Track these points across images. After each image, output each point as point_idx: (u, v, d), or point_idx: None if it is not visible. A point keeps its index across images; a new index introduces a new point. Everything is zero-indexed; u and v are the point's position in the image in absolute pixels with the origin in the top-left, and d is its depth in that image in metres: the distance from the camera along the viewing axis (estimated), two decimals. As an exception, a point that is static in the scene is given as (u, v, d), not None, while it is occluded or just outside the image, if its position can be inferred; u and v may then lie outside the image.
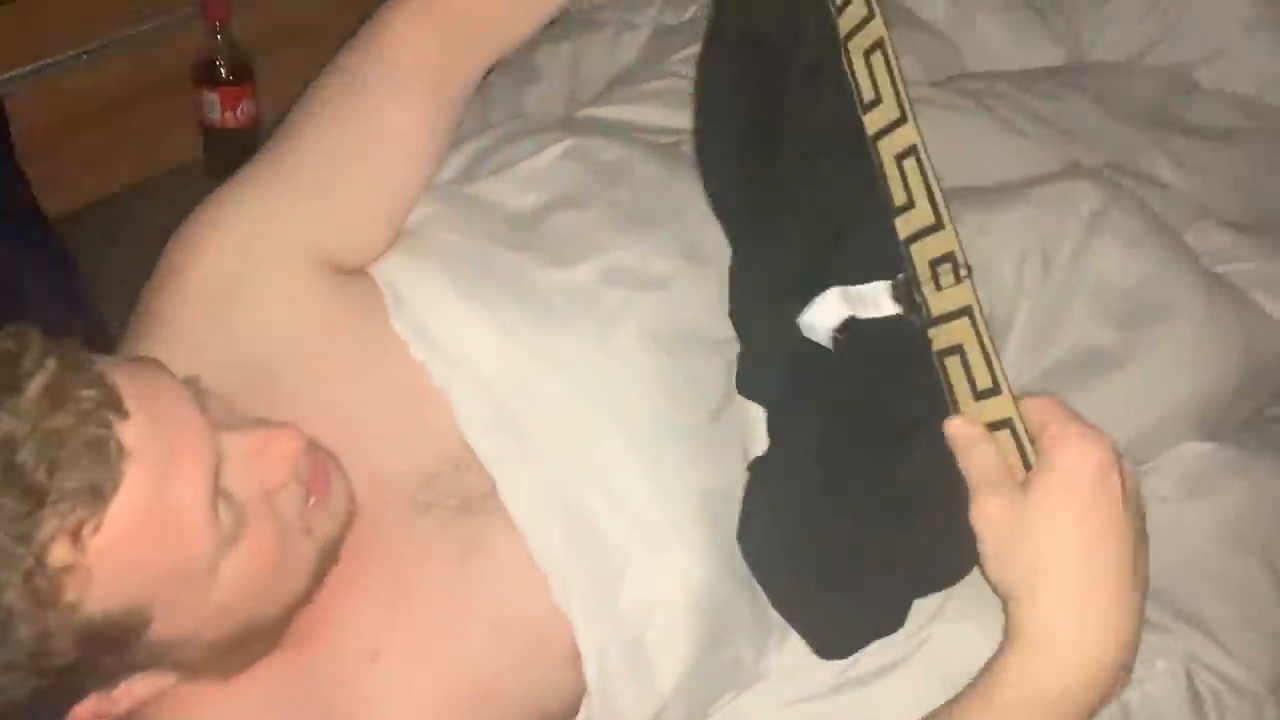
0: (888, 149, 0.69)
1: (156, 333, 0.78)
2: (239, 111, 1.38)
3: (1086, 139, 1.03)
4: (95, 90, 1.37)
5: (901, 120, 0.68)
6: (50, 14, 1.32)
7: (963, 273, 0.66)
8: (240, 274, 0.78)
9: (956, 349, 0.67)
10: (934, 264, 0.67)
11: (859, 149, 0.71)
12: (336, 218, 0.81)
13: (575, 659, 0.75)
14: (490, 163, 0.92)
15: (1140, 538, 0.64)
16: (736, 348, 0.81)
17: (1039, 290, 0.91)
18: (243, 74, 1.38)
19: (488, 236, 0.84)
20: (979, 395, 0.66)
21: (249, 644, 0.70)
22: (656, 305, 0.82)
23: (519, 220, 0.87)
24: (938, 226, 0.67)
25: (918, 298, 0.68)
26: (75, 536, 0.58)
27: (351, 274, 0.81)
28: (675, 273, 0.84)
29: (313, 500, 0.69)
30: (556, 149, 0.91)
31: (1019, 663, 0.64)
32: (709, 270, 0.84)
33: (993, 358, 0.65)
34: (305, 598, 0.71)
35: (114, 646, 0.62)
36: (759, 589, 0.78)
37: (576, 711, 0.76)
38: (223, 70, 1.37)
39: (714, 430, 0.80)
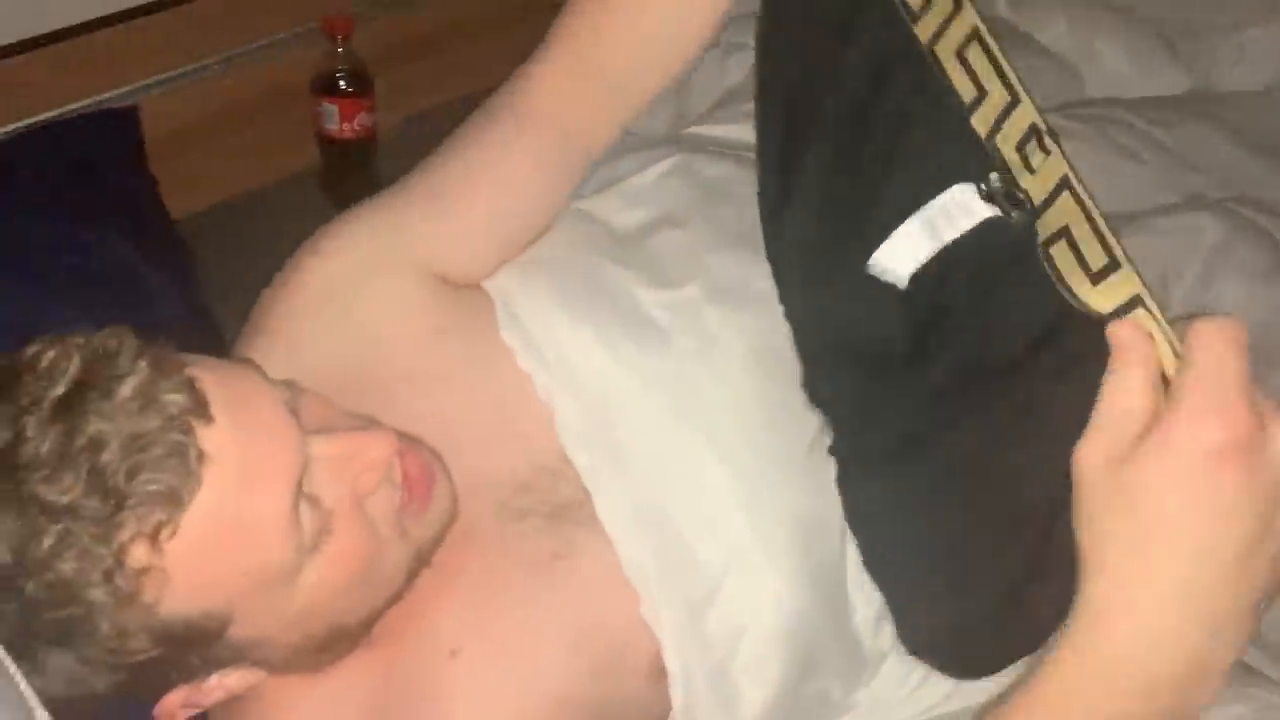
0: (946, 49, 0.62)
1: (265, 335, 0.81)
2: (356, 123, 1.41)
3: (1211, 170, 1.00)
4: (221, 98, 1.41)
5: (1014, 102, 0.61)
6: (182, 27, 1.37)
7: (1048, 141, 0.59)
8: (353, 282, 0.80)
9: (1062, 232, 0.57)
10: (1021, 146, 0.59)
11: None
12: (452, 241, 0.83)
13: (657, 675, 0.75)
14: (596, 178, 0.92)
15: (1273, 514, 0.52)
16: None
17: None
18: (362, 87, 1.41)
19: (595, 252, 0.85)
20: (1096, 277, 0.56)
21: (336, 643, 0.70)
22: (757, 326, 0.82)
23: (624, 237, 0.88)
24: (1015, 102, 0.60)
25: (1019, 193, 0.59)
26: (153, 540, 0.59)
27: (463, 287, 0.83)
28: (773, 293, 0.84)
29: (413, 505, 0.69)
30: (662, 166, 0.91)
31: (1084, 637, 0.54)
32: None
33: (1102, 228, 0.56)
34: (396, 598, 0.72)
35: (194, 646, 0.64)
36: (853, 622, 0.76)
37: None
38: (342, 83, 1.40)
39: (810, 456, 0.79)
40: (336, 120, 1.40)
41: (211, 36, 1.40)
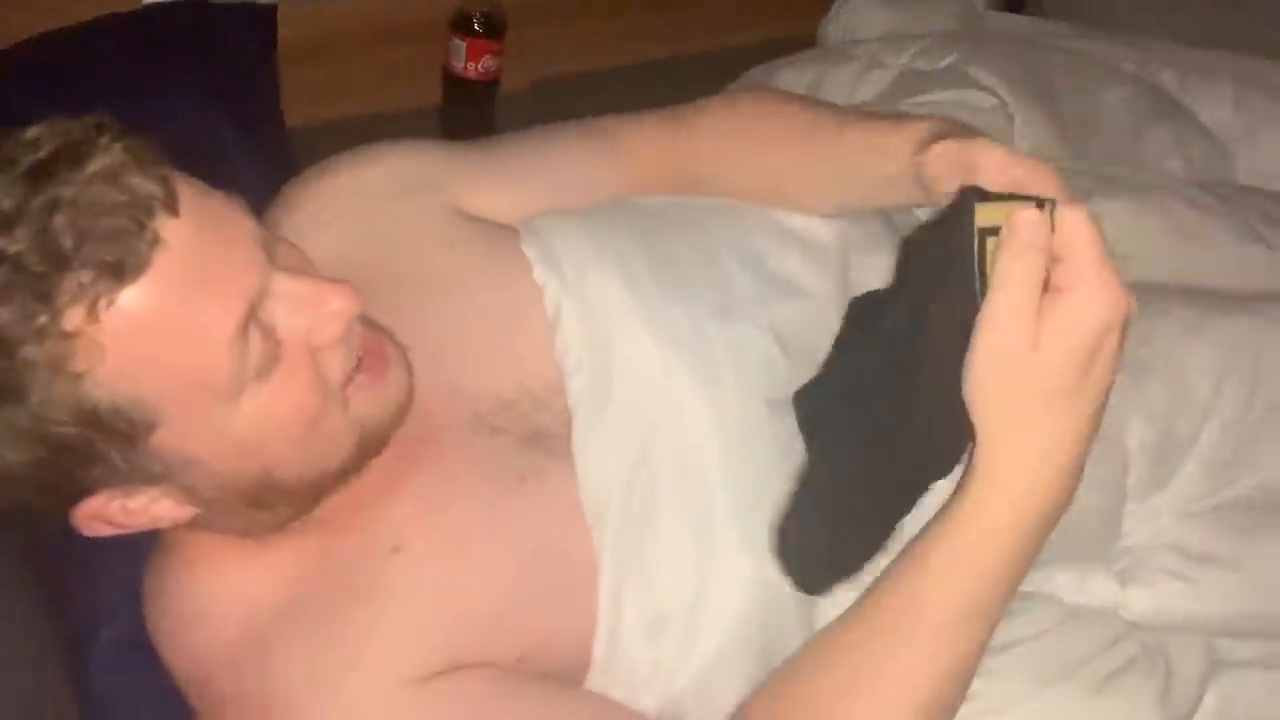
0: None
1: (286, 211, 0.82)
2: (481, 65, 1.42)
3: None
4: (358, 19, 1.43)
5: None
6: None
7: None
8: (396, 188, 0.82)
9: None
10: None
11: None
12: (501, 193, 0.85)
13: (593, 621, 0.73)
14: None
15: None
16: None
17: (1237, 415, 0.84)
18: (494, 31, 1.42)
19: (630, 210, 0.87)
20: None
21: (271, 500, 0.70)
22: (791, 311, 0.81)
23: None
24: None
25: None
26: (91, 307, 0.59)
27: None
28: (817, 291, 0.83)
29: (361, 377, 0.69)
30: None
31: (981, 496, 0.63)
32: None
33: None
34: (337, 476, 0.71)
35: (118, 438, 0.63)
36: (815, 611, 0.75)
37: (583, 676, 0.74)
38: (476, 23, 1.42)
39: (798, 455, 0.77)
40: (463, 58, 1.42)
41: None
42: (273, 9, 1.31)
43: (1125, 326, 0.59)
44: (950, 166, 0.70)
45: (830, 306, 0.83)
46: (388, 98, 1.43)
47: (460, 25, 1.42)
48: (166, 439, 0.64)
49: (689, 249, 0.83)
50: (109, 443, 0.63)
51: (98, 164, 0.60)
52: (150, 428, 0.63)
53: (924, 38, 1.25)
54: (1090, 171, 1.05)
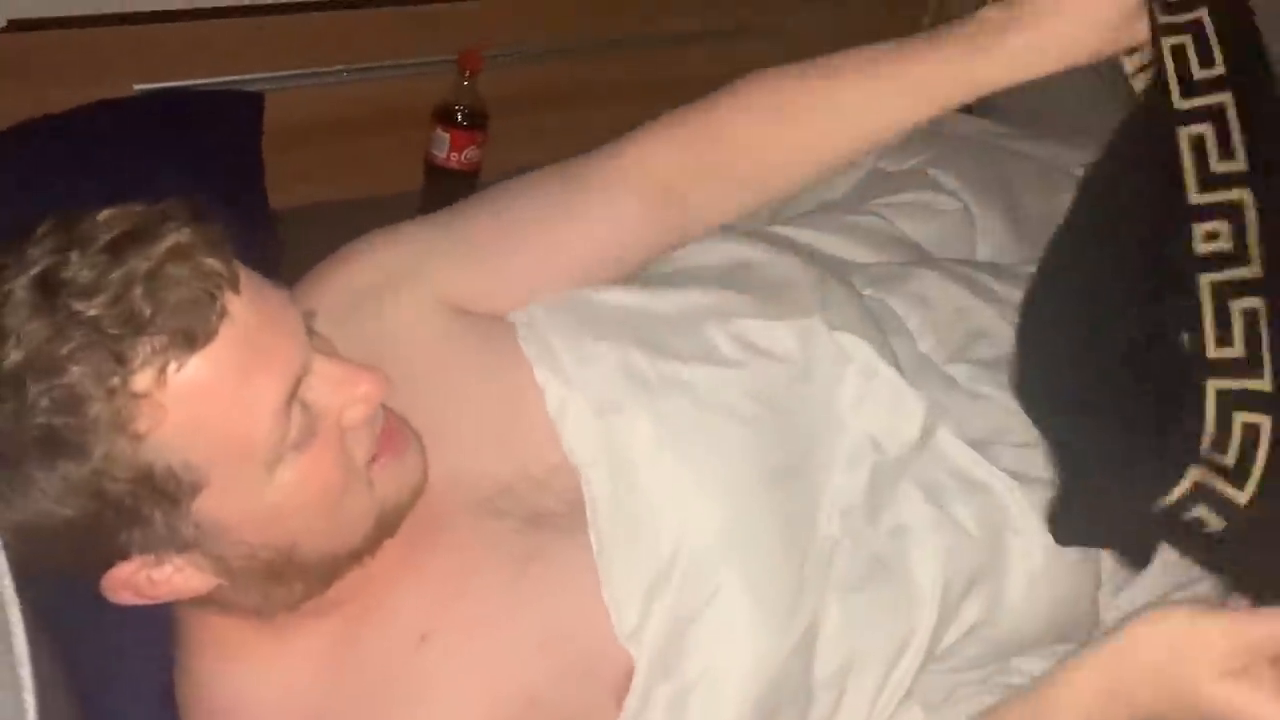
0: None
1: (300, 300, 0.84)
2: (464, 156, 1.46)
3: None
4: (343, 107, 1.47)
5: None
6: (321, 30, 1.44)
7: None
8: (382, 286, 0.84)
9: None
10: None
11: None
12: (486, 276, 0.86)
13: (621, 692, 0.76)
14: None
15: None
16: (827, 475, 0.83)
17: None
18: (477, 123, 1.46)
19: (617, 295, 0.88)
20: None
21: (290, 574, 0.71)
22: (772, 374, 0.84)
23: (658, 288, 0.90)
24: None
25: None
26: (161, 370, 0.63)
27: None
28: (795, 357, 0.86)
29: (383, 458, 0.72)
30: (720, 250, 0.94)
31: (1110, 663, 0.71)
32: (814, 389, 0.85)
33: None
34: (355, 555, 0.73)
35: (163, 501, 0.65)
36: (813, 674, 0.78)
37: None
38: (459, 115, 1.46)
39: (802, 525, 0.81)
40: (446, 149, 1.46)
41: (353, 45, 1.46)
42: (259, 96, 1.34)
43: None
44: None
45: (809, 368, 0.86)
46: (371, 183, 1.47)
47: (444, 116, 1.46)
48: (207, 503, 0.66)
49: (676, 318, 0.86)
50: (155, 504, 0.65)
51: (170, 241, 0.64)
52: (195, 491, 0.66)
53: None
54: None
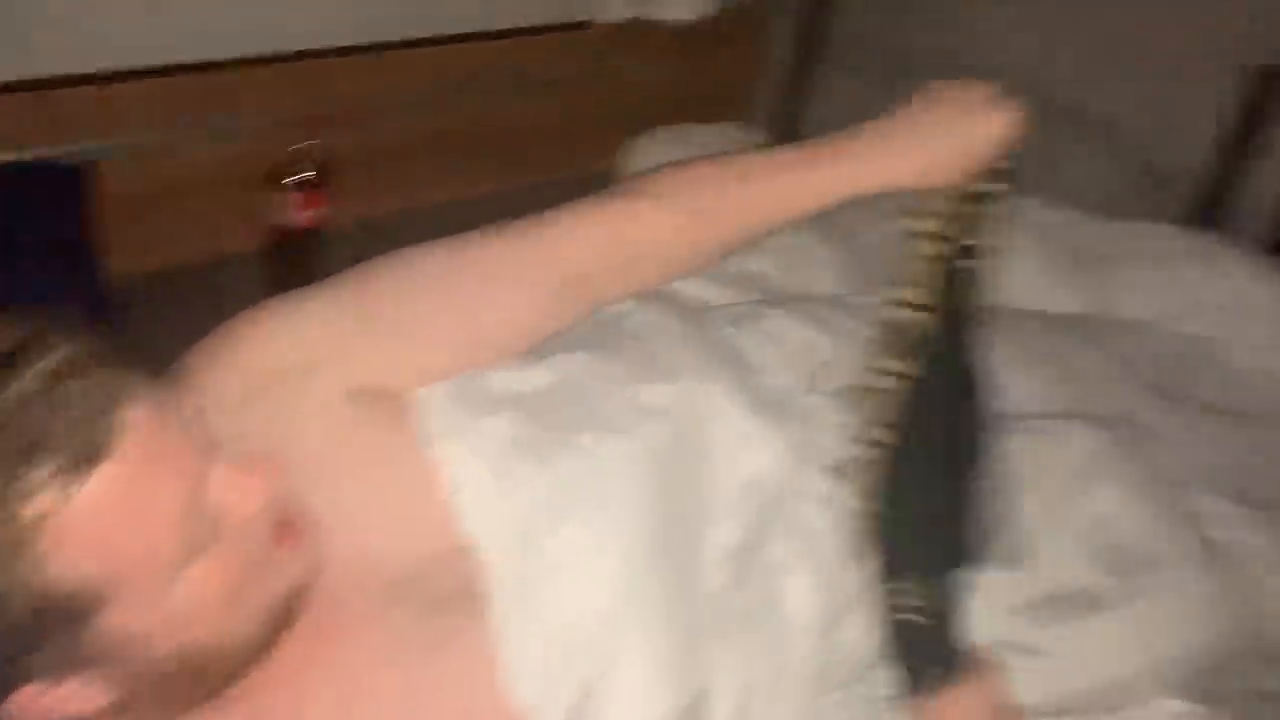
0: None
1: (187, 385, 0.81)
2: (305, 214, 1.45)
3: (1096, 387, 1.07)
4: (180, 172, 1.45)
5: None
6: (138, 97, 1.41)
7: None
8: (285, 373, 0.81)
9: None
10: None
11: None
12: (393, 363, 0.84)
13: None
14: None
15: None
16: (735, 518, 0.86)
17: (1035, 519, 0.93)
18: (319, 181, 1.45)
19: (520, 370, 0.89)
20: None
21: (189, 679, 0.70)
22: (654, 433, 0.85)
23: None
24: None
25: None
26: (61, 491, 0.61)
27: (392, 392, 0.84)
28: (673, 413, 0.87)
29: (278, 549, 0.72)
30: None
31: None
32: (690, 444, 0.87)
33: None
34: (255, 649, 0.72)
35: (67, 623, 0.63)
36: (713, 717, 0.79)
37: None
38: (300, 177, 1.44)
39: (680, 558, 0.83)
40: (291, 209, 1.44)
41: (185, 110, 1.44)
42: (90, 165, 1.31)
43: None
44: None
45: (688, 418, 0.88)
46: (214, 246, 1.45)
47: (283, 176, 1.44)
48: (112, 618, 0.65)
49: (560, 386, 0.87)
50: (58, 625, 0.63)
51: (59, 356, 0.62)
52: (99, 607, 0.64)
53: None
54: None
